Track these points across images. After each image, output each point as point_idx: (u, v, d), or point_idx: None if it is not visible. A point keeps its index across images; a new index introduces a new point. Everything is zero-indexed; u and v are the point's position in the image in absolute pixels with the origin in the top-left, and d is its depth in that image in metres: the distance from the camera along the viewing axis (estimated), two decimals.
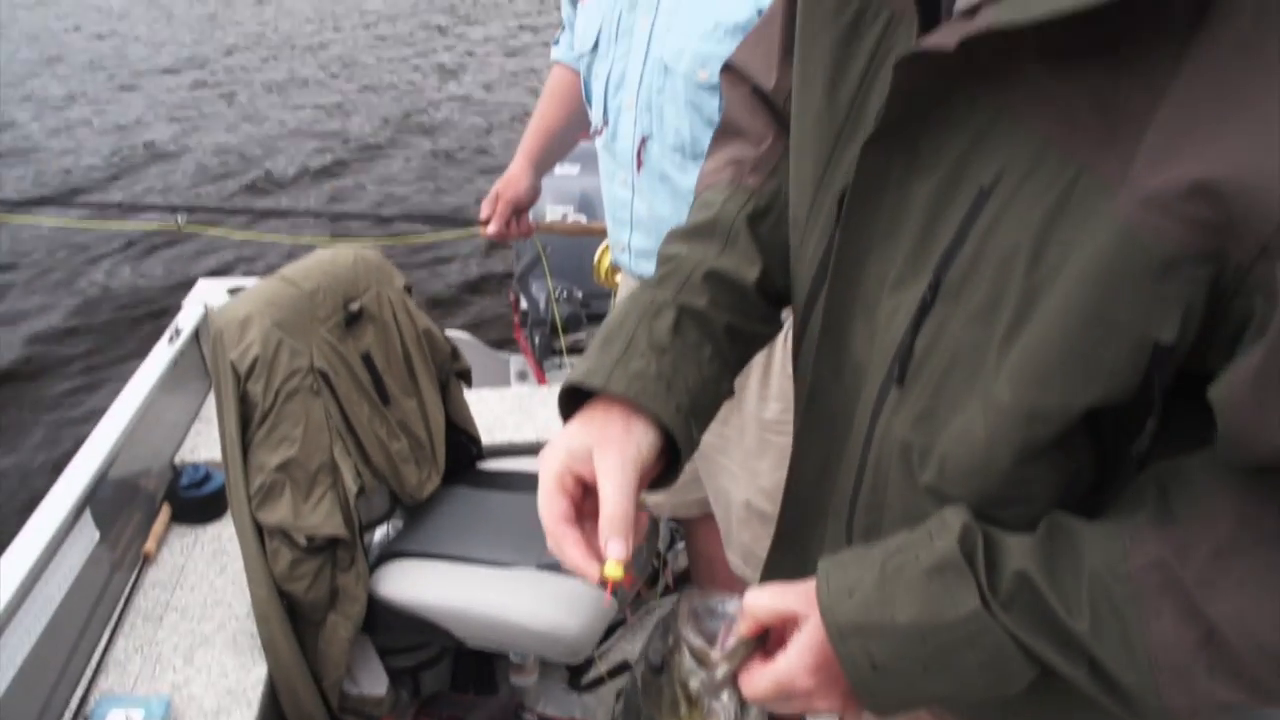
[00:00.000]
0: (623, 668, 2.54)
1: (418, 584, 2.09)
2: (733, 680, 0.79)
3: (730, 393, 0.96)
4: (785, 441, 1.74)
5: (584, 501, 0.83)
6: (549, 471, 0.82)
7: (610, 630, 2.50)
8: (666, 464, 0.89)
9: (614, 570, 0.78)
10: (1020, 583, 0.68)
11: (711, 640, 0.80)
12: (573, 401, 0.88)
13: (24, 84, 11.98)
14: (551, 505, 0.81)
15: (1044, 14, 0.56)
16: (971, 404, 0.71)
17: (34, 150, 9.36)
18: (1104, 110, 0.60)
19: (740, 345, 0.96)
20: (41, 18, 17.07)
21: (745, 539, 1.92)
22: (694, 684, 0.80)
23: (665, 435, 0.85)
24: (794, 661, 0.75)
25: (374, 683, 2.17)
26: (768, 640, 0.79)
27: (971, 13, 0.62)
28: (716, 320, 0.92)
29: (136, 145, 9.51)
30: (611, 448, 0.82)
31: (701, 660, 0.80)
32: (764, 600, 0.78)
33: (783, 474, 1.75)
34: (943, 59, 0.64)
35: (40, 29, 15.81)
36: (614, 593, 2.11)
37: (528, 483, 2.34)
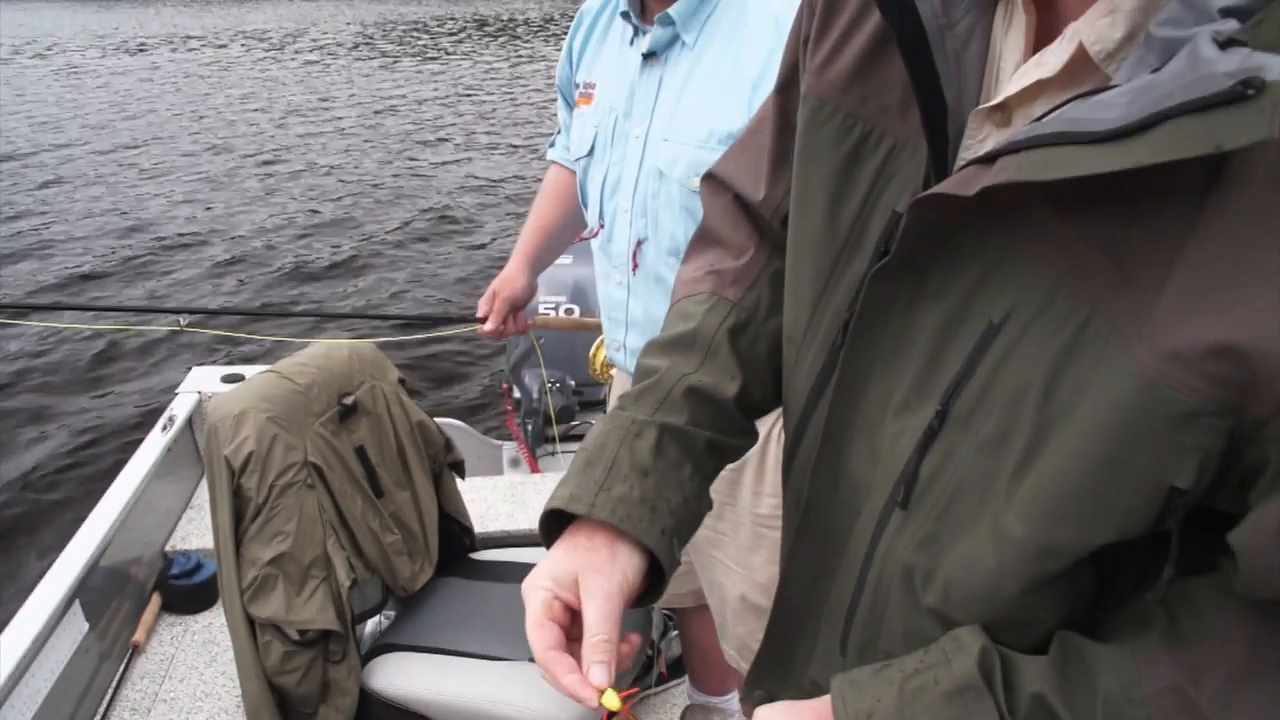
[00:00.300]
0: None
1: (410, 677, 2.07)
2: None
3: (710, 507, 0.96)
4: (780, 536, 1.76)
5: (573, 627, 0.84)
6: (536, 601, 0.82)
7: None
8: (650, 581, 0.89)
9: (611, 701, 0.78)
10: (1037, 705, 0.69)
11: None
12: (555, 520, 0.88)
13: (42, 167, 12.13)
14: (542, 635, 0.81)
15: (1063, 175, 0.58)
16: (979, 531, 0.72)
17: (49, 237, 9.45)
18: (1115, 257, 0.63)
19: (718, 458, 0.97)
20: (65, 97, 17.33)
21: (740, 632, 1.92)
22: None
23: (650, 556, 0.86)
24: None
25: None
26: None
27: (989, 159, 0.64)
28: (696, 437, 0.93)
29: (148, 234, 9.60)
30: (597, 575, 0.82)
31: None
32: (776, 718, 0.78)
33: (776, 569, 1.77)
34: (958, 201, 0.66)
35: (61, 113, 16.03)
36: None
37: (521, 573, 2.31)
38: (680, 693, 2.70)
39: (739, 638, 1.93)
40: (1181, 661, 0.67)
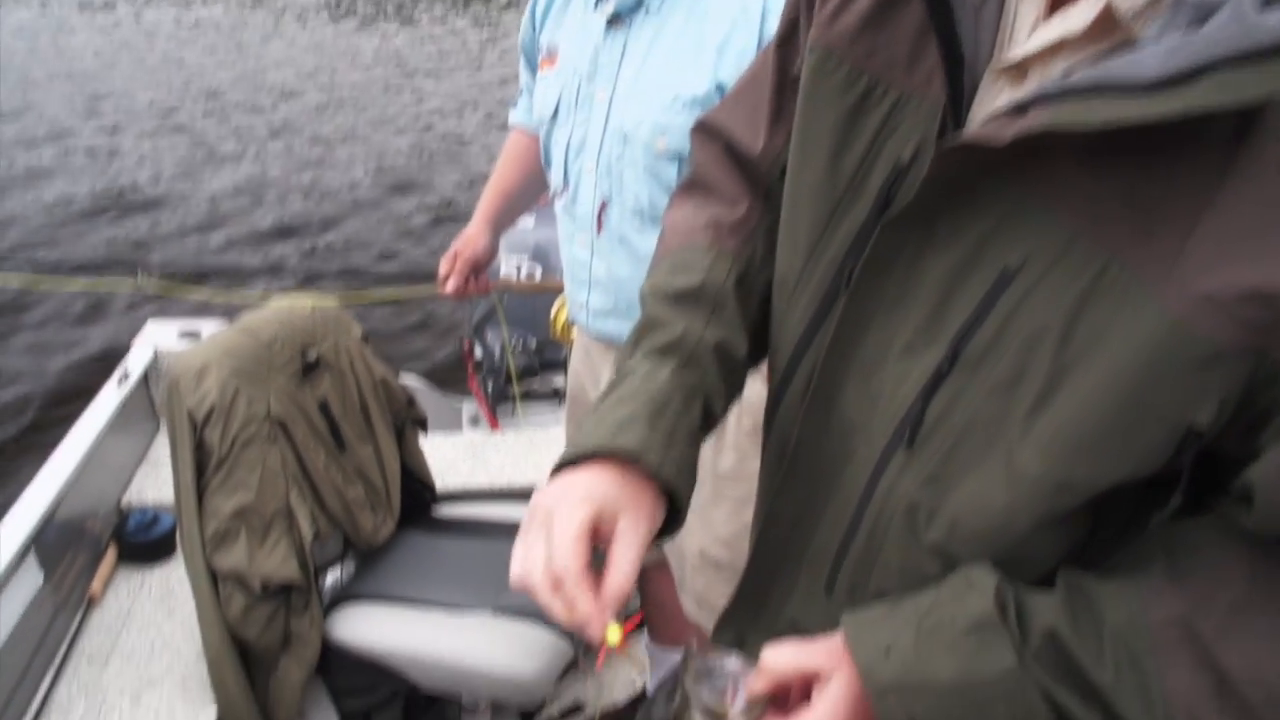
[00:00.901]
0: (574, 710, 2.55)
1: (372, 627, 2.10)
2: None
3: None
4: (740, 492, 1.83)
5: None
6: (578, 520, 0.78)
7: (562, 674, 2.51)
8: None
9: (614, 636, 0.78)
10: (1050, 639, 0.70)
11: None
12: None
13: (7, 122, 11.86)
14: (579, 552, 0.77)
15: (1106, 120, 0.60)
16: (989, 470, 0.74)
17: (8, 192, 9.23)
18: (1137, 207, 0.65)
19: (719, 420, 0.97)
20: (26, 52, 16.90)
21: (699, 586, 1.95)
22: None
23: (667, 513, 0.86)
24: (822, 718, 0.75)
25: None
26: (777, 697, 0.79)
27: (1020, 110, 0.66)
28: (718, 399, 0.94)
29: (113, 193, 9.39)
30: (641, 522, 0.81)
31: (717, 717, 0.78)
32: (785, 657, 0.78)
33: (737, 524, 1.83)
34: (986, 150, 0.68)
35: (25, 69, 15.62)
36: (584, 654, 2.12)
37: (482, 529, 2.38)
38: (638, 649, 2.74)
39: (698, 592, 1.96)
40: (1184, 595, 0.70)
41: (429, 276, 2.39)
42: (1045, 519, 0.73)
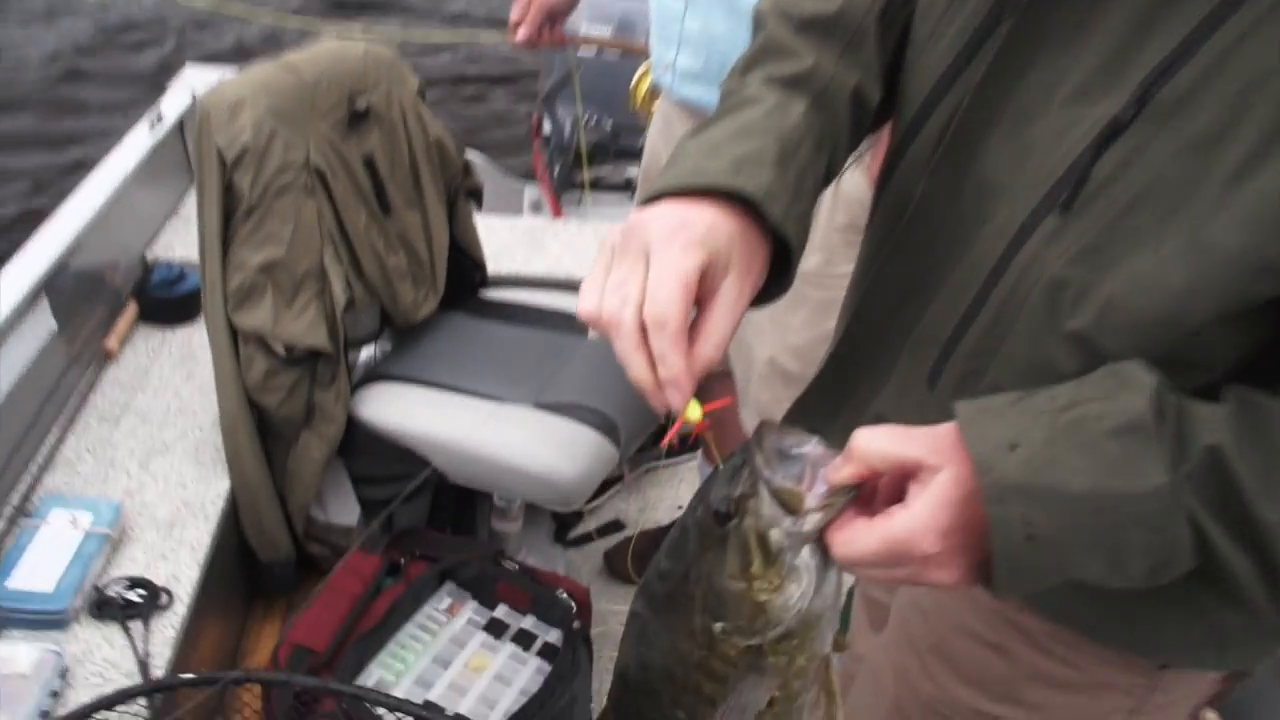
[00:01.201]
0: (612, 527, 2.47)
1: (403, 409, 1.99)
2: (819, 536, 0.66)
3: None
4: (822, 295, 1.63)
5: None
6: (691, 265, 0.67)
7: (603, 488, 2.37)
8: None
9: (695, 411, 0.69)
10: (1211, 460, 0.60)
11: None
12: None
13: None
14: (683, 304, 0.66)
15: None
16: (1168, 244, 0.64)
17: None
18: None
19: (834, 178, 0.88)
20: None
21: (764, 398, 1.81)
22: (775, 535, 0.66)
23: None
24: (922, 520, 0.62)
25: (345, 512, 2.08)
26: (862, 491, 0.67)
27: None
28: (841, 154, 0.84)
29: None
30: (748, 283, 0.72)
31: (790, 506, 0.66)
32: (882, 443, 0.65)
33: (815, 332, 1.66)
34: None
35: None
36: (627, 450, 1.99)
37: (533, 316, 2.25)
38: (689, 468, 2.63)
39: (762, 405, 1.82)
40: None
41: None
42: (1229, 310, 0.64)
